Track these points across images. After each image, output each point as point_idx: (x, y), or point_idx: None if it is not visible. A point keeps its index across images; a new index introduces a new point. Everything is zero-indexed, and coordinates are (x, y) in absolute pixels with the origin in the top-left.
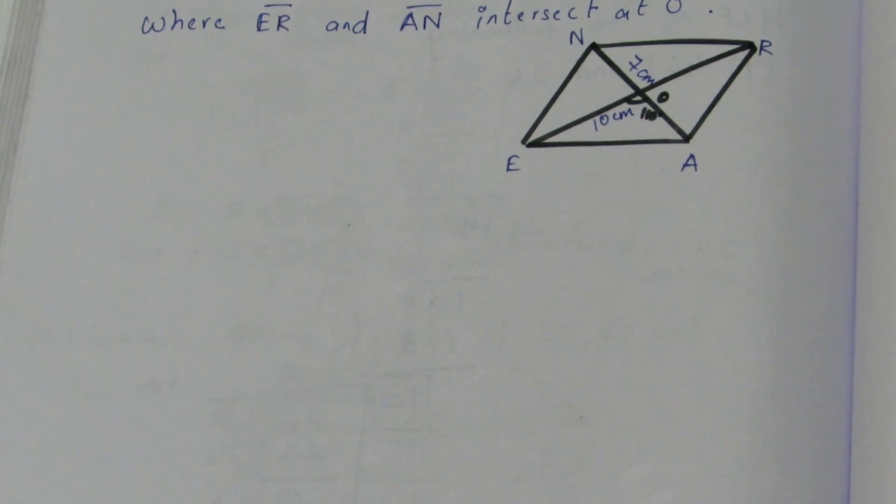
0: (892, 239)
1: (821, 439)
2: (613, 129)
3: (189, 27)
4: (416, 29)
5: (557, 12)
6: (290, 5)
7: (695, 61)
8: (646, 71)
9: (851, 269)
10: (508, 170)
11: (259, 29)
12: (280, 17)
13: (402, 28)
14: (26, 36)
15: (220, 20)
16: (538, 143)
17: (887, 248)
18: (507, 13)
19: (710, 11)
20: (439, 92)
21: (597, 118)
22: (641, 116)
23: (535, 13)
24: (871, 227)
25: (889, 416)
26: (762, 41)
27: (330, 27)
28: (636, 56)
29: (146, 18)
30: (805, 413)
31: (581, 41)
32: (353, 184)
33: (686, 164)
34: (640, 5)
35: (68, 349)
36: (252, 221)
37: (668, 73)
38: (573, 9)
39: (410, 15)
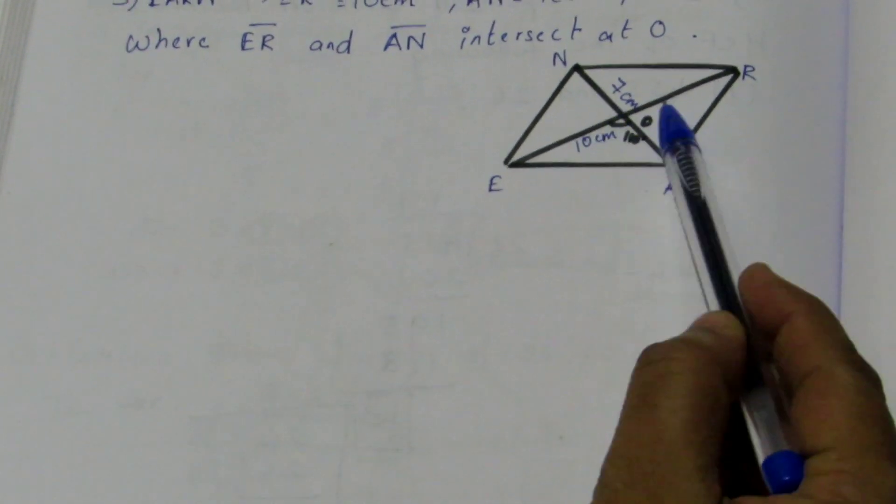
0: (876, 262)
1: None
2: (596, 151)
3: (173, 46)
4: (400, 49)
5: (541, 34)
6: (275, 25)
7: (678, 86)
8: (629, 94)
9: (837, 293)
10: (491, 190)
11: (243, 48)
12: (264, 37)
13: (385, 48)
14: (12, 53)
15: (204, 39)
16: (521, 164)
17: (872, 272)
18: (490, 34)
19: (694, 36)
20: (423, 112)
21: (579, 140)
22: (624, 139)
23: (518, 34)
24: (857, 250)
25: None
26: (745, 66)
27: (314, 47)
28: (619, 79)
29: (131, 37)
30: None
31: (564, 63)
32: (335, 203)
33: (668, 188)
34: (624, 28)
35: (50, 366)
36: (235, 240)
37: (651, 97)
38: (557, 30)
39: (394, 35)
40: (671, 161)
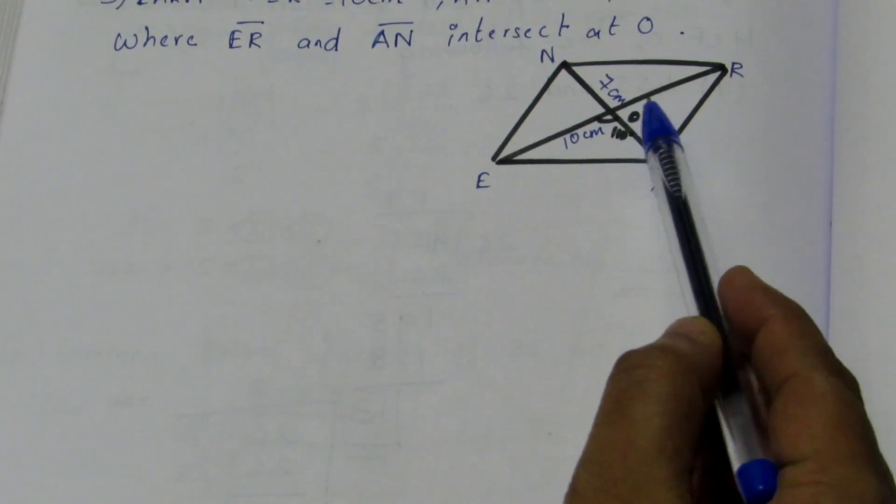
0: (865, 260)
1: None
2: (584, 147)
3: (161, 44)
4: (388, 46)
5: (529, 30)
6: (263, 23)
7: (666, 82)
8: (617, 90)
9: (825, 289)
10: (479, 186)
11: (231, 46)
12: (252, 35)
13: (373, 45)
14: (1, 51)
15: (192, 37)
16: (508, 161)
17: (860, 270)
18: (478, 31)
19: (682, 33)
20: (410, 109)
21: (567, 136)
22: (612, 135)
23: (506, 31)
24: (845, 248)
25: None
26: (733, 63)
27: (302, 44)
28: (607, 75)
29: (119, 35)
30: None
31: (552, 59)
32: (323, 200)
33: None
34: (612, 25)
35: (39, 364)
36: (223, 237)
37: (639, 93)
38: (544, 27)
39: (382, 32)
40: (654, 159)
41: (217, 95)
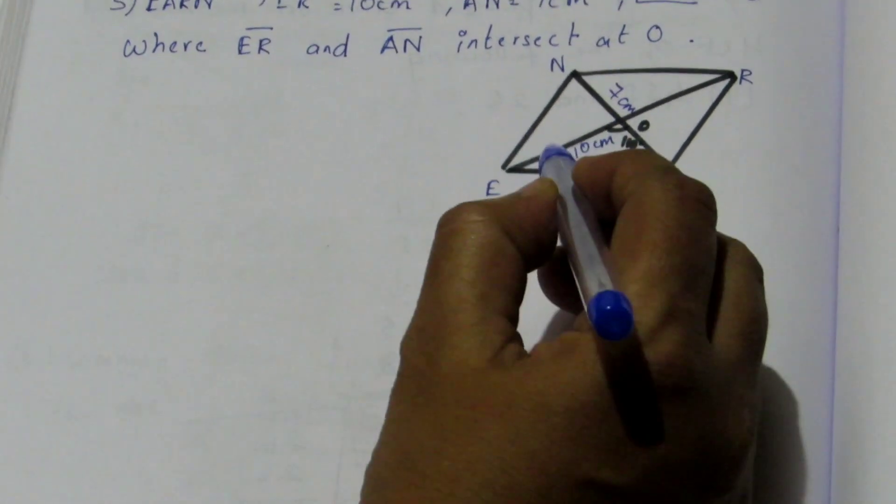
0: (872, 266)
1: (801, 448)
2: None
3: (171, 50)
4: (397, 52)
5: (538, 39)
6: (272, 28)
7: (676, 90)
8: (626, 99)
9: (833, 296)
10: (488, 194)
11: (240, 52)
12: (261, 41)
13: (382, 51)
14: (9, 57)
15: (201, 43)
16: (518, 169)
17: (868, 275)
18: (487, 38)
19: (691, 41)
20: (419, 115)
21: (577, 145)
22: (622, 144)
23: (515, 39)
24: (853, 254)
25: (867, 431)
26: (743, 70)
27: (311, 50)
28: (617, 84)
29: (128, 41)
30: (784, 432)
31: (562, 68)
32: (332, 206)
33: None
34: (621, 33)
35: (48, 371)
36: (232, 243)
37: (648, 102)
38: (554, 35)
39: (391, 38)
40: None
41: (226, 101)
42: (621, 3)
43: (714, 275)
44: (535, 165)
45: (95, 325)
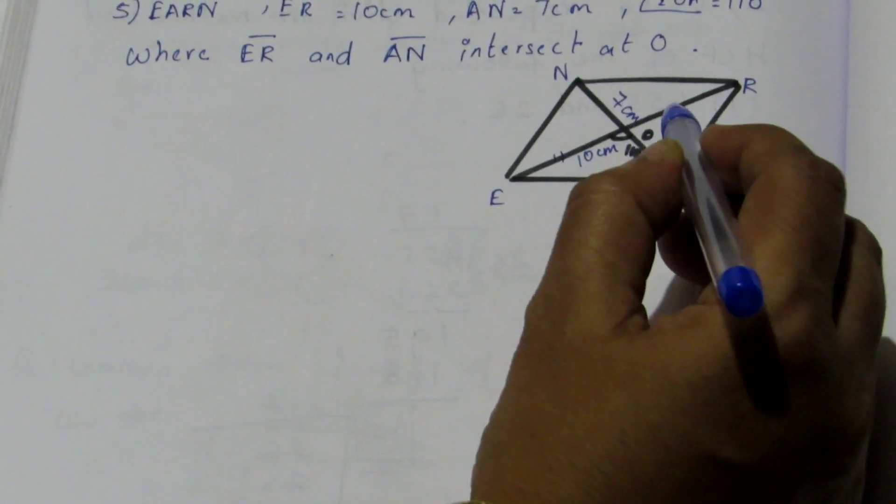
0: None
1: None
2: (598, 165)
3: (173, 58)
4: (400, 60)
5: (542, 47)
6: (274, 36)
7: (679, 99)
8: (630, 108)
9: None
10: (492, 203)
11: (243, 60)
12: (264, 49)
13: (385, 59)
14: (13, 66)
15: (204, 51)
16: (522, 178)
17: None
18: (490, 46)
19: (695, 50)
20: (423, 124)
21: (581, 154)
22: (626, 153)
23: (518, 47)
24: None
25: None
26: (746, 79)
27: (314, 58)
28: (620, 92)
29: (131, 50)
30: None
31: (565, 76)
32: (336, 214)
33: None
34: (625, 42)
35: (51, 378)
36: (235, 252)
37: (652, 111)
38: (557, 44)
39: (394, 46)
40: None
41: (229, 109)
42: (625, 11)
43: None
44: (540, 174)
45: (99, 332)
